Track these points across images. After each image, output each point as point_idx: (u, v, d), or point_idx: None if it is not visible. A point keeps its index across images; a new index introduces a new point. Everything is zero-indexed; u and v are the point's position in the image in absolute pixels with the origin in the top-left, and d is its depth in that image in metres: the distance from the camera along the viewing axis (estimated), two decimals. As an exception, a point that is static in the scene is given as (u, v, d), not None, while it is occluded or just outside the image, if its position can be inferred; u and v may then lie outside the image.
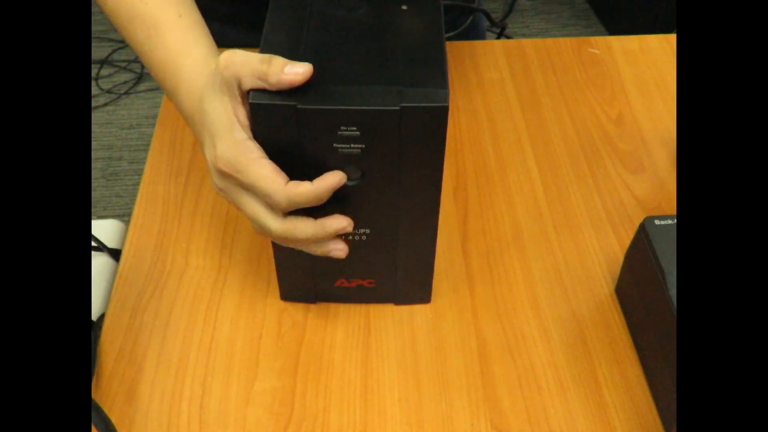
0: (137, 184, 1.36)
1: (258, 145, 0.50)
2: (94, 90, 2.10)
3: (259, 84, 0.49)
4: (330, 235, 0.53)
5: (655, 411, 0.58)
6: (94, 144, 1.96)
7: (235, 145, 0.50)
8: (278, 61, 0.48)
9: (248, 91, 0.50)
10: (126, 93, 2.10)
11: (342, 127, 0.49)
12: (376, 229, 0.57)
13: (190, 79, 0.55)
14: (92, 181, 1.86)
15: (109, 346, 0.62)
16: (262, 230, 0.53)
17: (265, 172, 0.49)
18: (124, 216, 1.75)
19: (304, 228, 0.52)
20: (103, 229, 0.86)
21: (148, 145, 1.02)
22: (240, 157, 0.49)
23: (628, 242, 0.70)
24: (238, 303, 0.65)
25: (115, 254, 0.78)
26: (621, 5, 2.22)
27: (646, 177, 0.76)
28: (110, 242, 0.84)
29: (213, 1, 0.84)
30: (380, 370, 0.61)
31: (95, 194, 1.84)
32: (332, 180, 0.50)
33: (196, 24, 0.58)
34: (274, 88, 0.49)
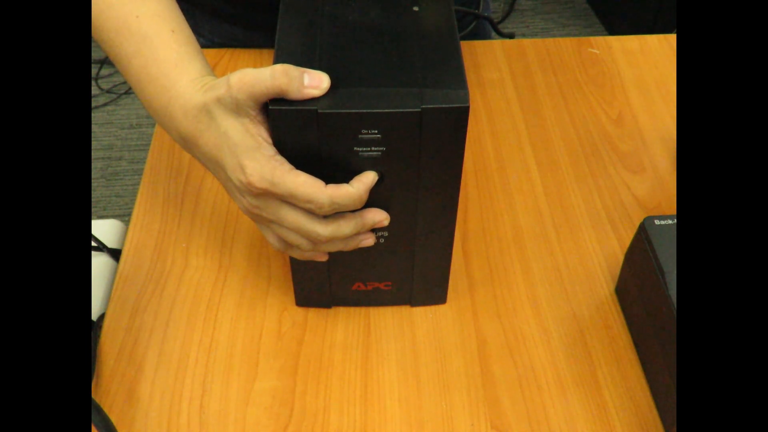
0: (137, 184, 1.36)
1: (285, 160, 0.50)
2: (94, 90, 2.10)
3: (278, 97, 0.49)
4: (368, 228, 0.54)
5: (655, 411, 0.58)
6: (94, 144, 1.96)
7: (267, 161, 0.49)
8: (295, 72, 0.48)
9: (265, 105, 0.50)
10: (126, 93, 2.10)
11: (363, 131, 0.49)
12: (395, 231, 0.57)
13: (185, 96, 0.53)
14: (92, 181, 1.86)
15: (109, 346, 0.62)
16: (307, 236, 0.53)
17: (303, 179, 0.49)
18: (124, 216, 1.75)
19: (347, 224, 0.53)
20: (103, 229, 0.86)
21: (148, 145, 1.02)
22: (275, 171, 0.49)
23: (628, 242, 0.70)
24: (238, 303, 0.65)
25: (115, 254, 0.78)
26: (621, 5, 2.22)
27: (646, 177, 0.76)
28: (110, 242, 0.84)
29: (221, 3, 0.84)
30: (380, 370, 0.61)
31: (95, 194, 1.84)
32: (368, 180, 0.51)
33: (188, 40, 0.57)
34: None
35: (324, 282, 0.61)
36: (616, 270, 0.67)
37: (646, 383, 0.60)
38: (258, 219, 0.54)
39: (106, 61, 2.16)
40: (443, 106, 0.49)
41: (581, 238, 0.70)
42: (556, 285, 0.67)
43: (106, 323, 0.63)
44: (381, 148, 0.51)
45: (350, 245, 0.55)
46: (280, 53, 0.51)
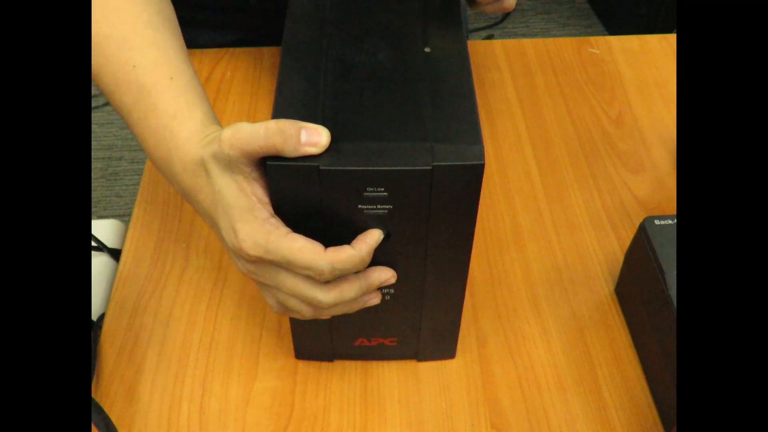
0: (137, 184, 1.36)
1: (282, 221, 0.47)
2: (94, 90, 2.10)
3: (272, 155, 0.45)
4: (373, 288, 0.51)
5: (655, 411, 0.58)
6: (94, 144, 1.96)
7: (261, 226, 0.46)
8: (291, 130, 0.44)
9: (262, 161, 0.46)
10: (126, 93, 2.09)
11: (368, 188, 0.46)
12: (401, 288, 0.53)
13: (184, 148, 0.50)
14: (92, 181, 1.86)
15: (109, 346, 0.62)
16: (308, 303, 0.49)
17: (300, 244, 0.46)
18: (124, 216, 1.75)
19: (350, 288, 0.49)
20: (103, 229, 0.86)
21: (148, 145, 1.02)
22: (269, 236, 0.46)
23: (628, 242, 0.70)
24: (238, 303, 0.65)
25: (115, 254, 0.78)
26: (621, 5, 2.22)
27: (646, 177, 0.76)
28: (110, 242, 0.84)
29: (202, 12, 0.84)
30: (380, 370, 0.61)
31: (95, 194, 1.84)
32: (372, 240, 0.48)
33: (189, 86, 0.53)
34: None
35: (325, 338, 0.58)
36: (616, 270, 0.67)
37: (646, 383, 0.60)
38: (256, 282, 0.51)
39: (106, 61, 2.16)
40: (456, 163, 0.45)
41: (581, 238, 0.70)
42: (556, 285, 0.67)
43: (106, 323, 0.63)
44: (388, 206, 0.47)
45: (355, 307, 0.51)
46: (280, 101, 0.48)
